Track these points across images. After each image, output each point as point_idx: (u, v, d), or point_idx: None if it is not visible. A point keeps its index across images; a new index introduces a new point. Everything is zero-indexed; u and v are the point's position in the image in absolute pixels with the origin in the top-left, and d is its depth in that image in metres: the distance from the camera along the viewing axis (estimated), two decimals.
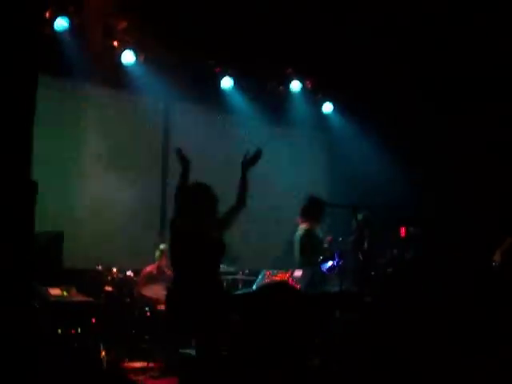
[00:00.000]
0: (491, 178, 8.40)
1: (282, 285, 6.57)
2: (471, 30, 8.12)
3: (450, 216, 8.63)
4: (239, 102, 9.73)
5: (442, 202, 8.85)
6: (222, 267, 7.77)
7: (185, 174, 4.93)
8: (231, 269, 8.18)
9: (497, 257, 7.24)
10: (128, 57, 8.61)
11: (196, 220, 4.70)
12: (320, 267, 7.43)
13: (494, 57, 8.26)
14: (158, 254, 8.11)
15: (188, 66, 8.98)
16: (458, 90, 8.81)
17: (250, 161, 5.05)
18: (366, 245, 7.97)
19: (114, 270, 7.82)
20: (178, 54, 8.77)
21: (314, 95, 10.24)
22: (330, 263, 7.36)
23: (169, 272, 7.89)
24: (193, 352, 6.49)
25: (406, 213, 8.61)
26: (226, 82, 9.52)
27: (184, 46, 8.64)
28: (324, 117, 10.51)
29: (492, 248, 7.33)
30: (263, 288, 6.52)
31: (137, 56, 8.63)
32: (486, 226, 7.91)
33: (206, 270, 4.70)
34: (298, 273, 7.62)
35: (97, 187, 8.68)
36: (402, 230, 8.33)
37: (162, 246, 8.07)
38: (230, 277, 8.07)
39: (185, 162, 4.98)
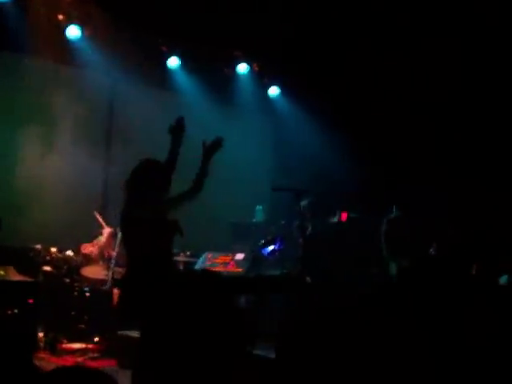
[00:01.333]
0: (441, 168, 8.53)
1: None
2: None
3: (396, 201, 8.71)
4: (185, 81, 9.64)
5: (388, 187, 8.94)
6: None
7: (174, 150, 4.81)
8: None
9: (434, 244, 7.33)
10: (73, 31, 8.42)
11: (153, 203, 4.63)
12: (261, 251, 7.48)
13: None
14: (104, 234, 7.97)
15: (135, 44, 8.82)
16: (403, 74, 8.90)
17: (211, 149, 5.01)
18: (309, 230, 8.05)
19: (53, 249, 7.68)
20: (125, 31, 8.62)
21: (261, 78, 10.22)
22: (271, 247, 7.42)
23: (112, 253, 7.82)
24: (132, 334, 6.49)
25: (351, 198, 8.69)
26: (173, 61, 9.43)
27: (131, 23, 8.50)
28: (270, 100, 10.50)
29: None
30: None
31: (82, 31, 8.44)
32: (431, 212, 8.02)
33: (163, 254, 4.66)
34: (240, 256, 7.67)
35: (36, 169, 8.50)
36: (344, 215, 8.43)
37: (109, 227, 7.95)
38: None
39: (180, 134, 4.86)
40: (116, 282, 7.56)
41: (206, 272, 6.07)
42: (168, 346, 4.35)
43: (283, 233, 7.78)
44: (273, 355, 4.99)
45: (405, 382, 3.43)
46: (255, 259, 7.51)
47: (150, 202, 4.63)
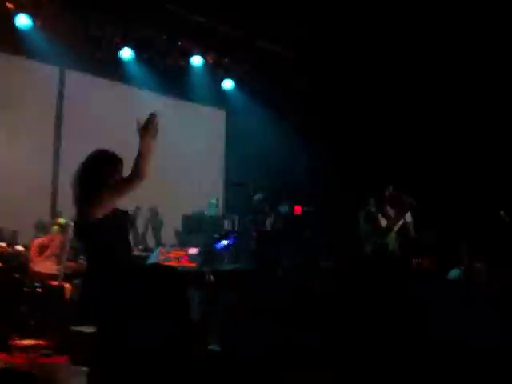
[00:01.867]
0: (397, 164, 8.64)
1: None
2: None
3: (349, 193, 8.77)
4: (139, 73, 9.54)
5: (342, 180, 9.00)
6: None
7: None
8: None
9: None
10: (23, 20, 8.24)
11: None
12: (215, 245, 7.48)
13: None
14: (55, 228, 7.84)
15: (86, 34, 8.70)
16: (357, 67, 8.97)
17: (144, 127, 4.66)
18: (267, 224, 8.08)
19: (3, 244, 7.53)
20: (77, 21, 8.48)
21: (215, 71, 10.19)
22: (225, 242, 7.42)
23: (60, 247, 7.71)
24: (85, 329, 6.42)
25: (305, 191, 8.74)
26: (126, 53, 9.31)
27: (83, 13, 8.38)
28: (224, 93, 10.47)
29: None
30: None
31: (33, 20, 8.27)
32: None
33: (123, 247, 4.57)
34: (193, 250, 7.64)
35: None
36: (297, 209, 8.49)
37: (61, 220, 7.83)
38: None
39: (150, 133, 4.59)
40: (68, 277, 7.48)
41: (159, 266, 6.03)
42: (124, 342, 4.33)
43: (237, 227, 7.79)
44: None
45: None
46: (208, 254, 7.50)
47: (104, 196, 4.51)
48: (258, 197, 8.04)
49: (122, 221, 4.67)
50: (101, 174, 4.53)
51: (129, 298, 4.40)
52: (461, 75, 8.32)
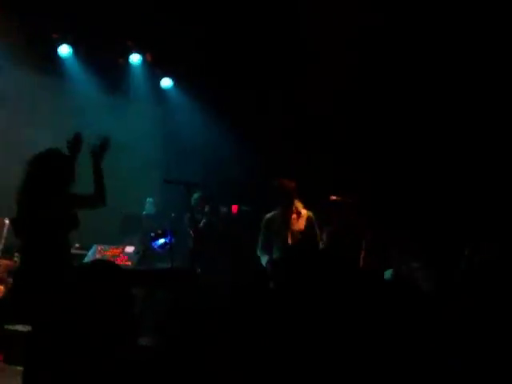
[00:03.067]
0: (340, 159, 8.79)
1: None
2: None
3: None
4: (77, 70, 9.47)
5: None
6: None
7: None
8: None
9: (324, 236, 7.27)
10: None
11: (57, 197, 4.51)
12: (152, 244, 7.51)
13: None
14: None
15: (23, 29, 8.57)
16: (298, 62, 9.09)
17: (100, 151, 4.81)
18: (200, 222, 8.14)
19: None
20: (13, 17, 8.36)
21: (153, 69, 10.18)
22: (162, 240, 7.46)
23: None
24: (19, 328, 6.37)
25: (243, 190, 8.81)
26: (64, 49, 9.24)
27: (20, 9, 8.26)
28: (162, 91, 10.48)
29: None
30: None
31: None
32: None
33: (61, 247, 4.57)
34: (130, 249, 7.65)
35: None
36: (234, 208, 8.57)
37: None
38: None
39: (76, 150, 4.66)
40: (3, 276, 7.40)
41: (100, 262, 6.01)
42: (60, 340, 4.34)
43: (174, 225, 7.83)
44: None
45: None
46: (145, 252, 7.52)
47: (54, 195, 4.50)
48: (195, 195, 8.11)
49: (69, 223, 4.68)
50: (53, 172, 4.54)
51: (65, 297, 4.43)
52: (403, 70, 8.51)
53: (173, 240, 7.30)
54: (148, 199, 9.00)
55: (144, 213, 8.97)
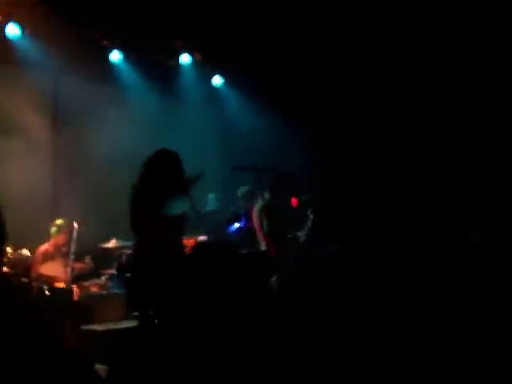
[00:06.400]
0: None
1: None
2: None
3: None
4: (129, 75, 9.60)
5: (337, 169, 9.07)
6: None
7: None
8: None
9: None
10: (12, 30, 8.32)
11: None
12: (227, 229, 7.55)
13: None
14: (54, 229, 7.90)
15: (75, 39, 8.74)
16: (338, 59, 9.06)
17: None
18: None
19: (9, 249, 7.58)
20: (64, 26, 8.52)
21: (204, 68, 10.24)
22: (236, 225, 7.50)
23: (65, 249, 7.79)
24: (96, 327, 6.47)
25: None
26: (115, 56, 9.39)
27: (70, 18, 8.43)
28: (214, 90, 10.52)
29: None
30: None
31: (22, 29, 8.34)
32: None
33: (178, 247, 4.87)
34: (203, 238, 7.72)
35: None
36: (294, 201, 8.52)
37: (58, 222, 7.90)
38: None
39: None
40: (76, 278, 7.56)
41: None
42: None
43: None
44: None
45: None
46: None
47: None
48: (243, 189, 8.14)
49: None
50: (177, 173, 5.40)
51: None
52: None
53: (247, 223, 7.31)
54: (209, 195, 9.04)
55: (208, 209, 9.00)
